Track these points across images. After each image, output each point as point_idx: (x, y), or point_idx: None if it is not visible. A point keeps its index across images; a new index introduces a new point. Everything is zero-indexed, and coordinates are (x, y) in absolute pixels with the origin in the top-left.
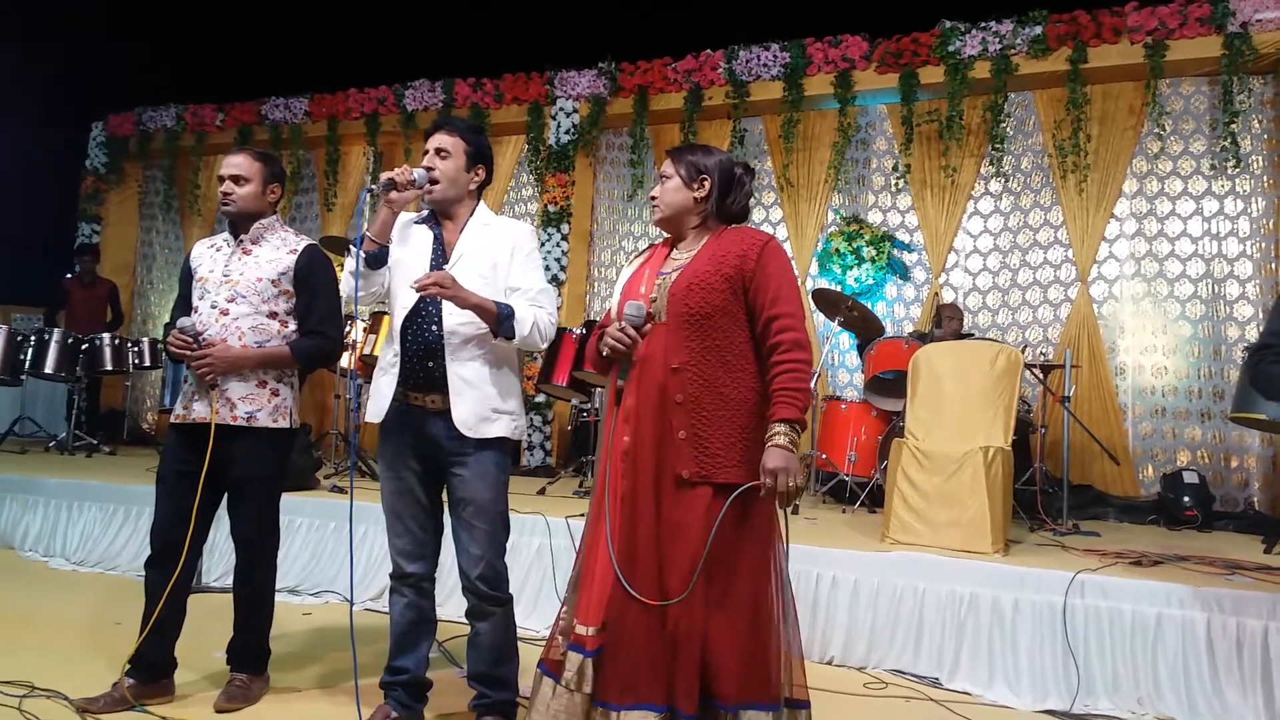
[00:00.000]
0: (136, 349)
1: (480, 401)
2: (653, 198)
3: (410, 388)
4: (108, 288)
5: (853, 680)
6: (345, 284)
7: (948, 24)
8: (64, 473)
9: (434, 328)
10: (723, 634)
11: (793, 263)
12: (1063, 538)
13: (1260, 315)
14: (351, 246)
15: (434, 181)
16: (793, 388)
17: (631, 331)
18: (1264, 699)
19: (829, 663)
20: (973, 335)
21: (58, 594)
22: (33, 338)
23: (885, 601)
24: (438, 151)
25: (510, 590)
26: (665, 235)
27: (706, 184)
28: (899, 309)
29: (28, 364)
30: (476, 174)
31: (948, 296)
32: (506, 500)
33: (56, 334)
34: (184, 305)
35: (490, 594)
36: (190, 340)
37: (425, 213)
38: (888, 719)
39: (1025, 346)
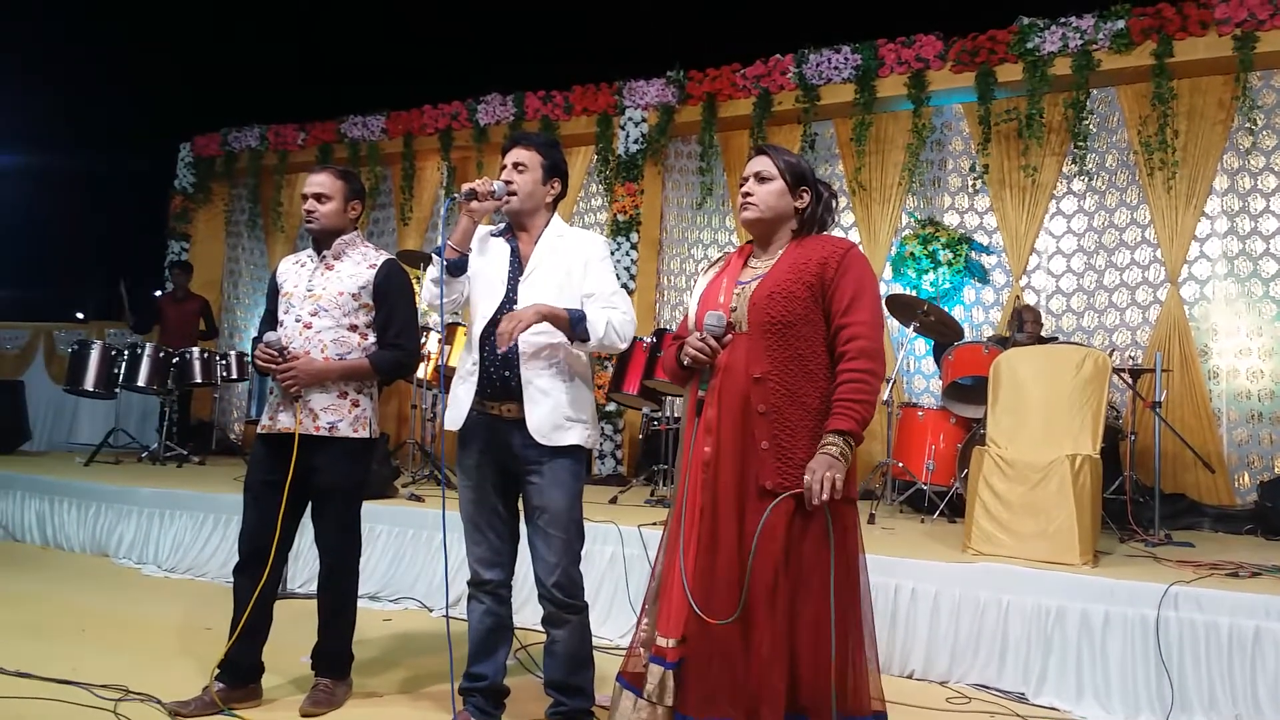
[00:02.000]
0: (224, 362)
1: (554, 410)
2: (747, 194)
3: (487, 397)
4: (199, 303)
5: (934, 695)
6: (428, 291)
7: (1026, 20)
8: (156, 482)
9: None
10: (814, 650)
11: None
12: (1154, 549)
13: None
14: (434, 255)
15: (512, 194)
16: (852, 399)
17: (713, 342)
18: None
19: (909, 676)
20: (1055, 339)
21: (150, 600)
22: (126, 352)
23: (968, 614)
24: (515, 166)
25: (585, 598)
26: (739, 243)
27: (807, 196)
28: (978, 313)
29: (121, 378)
30: (552, 187)
31: (1029, 299)
32: (581, 508)
33: (149, 348)
34: (270, 320)
35: (566, 601)
36: (275, 354)
37: (503, 225)
38: None
39: (1113, 350)
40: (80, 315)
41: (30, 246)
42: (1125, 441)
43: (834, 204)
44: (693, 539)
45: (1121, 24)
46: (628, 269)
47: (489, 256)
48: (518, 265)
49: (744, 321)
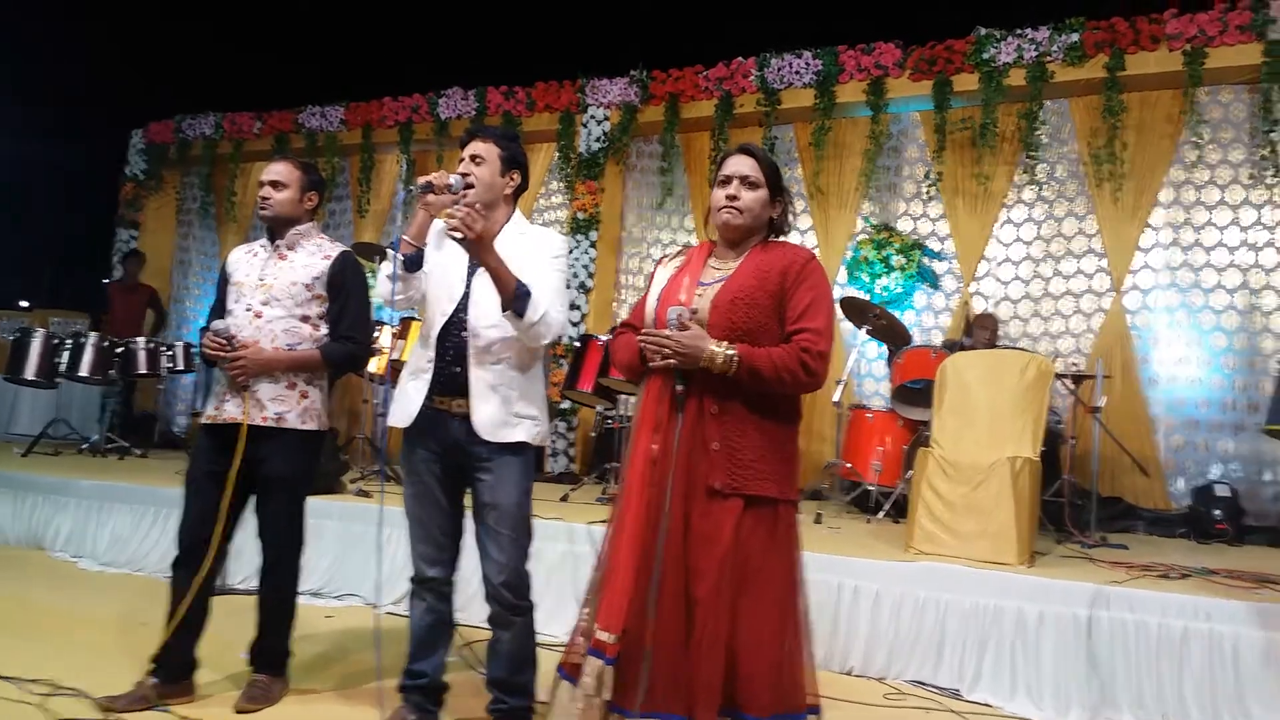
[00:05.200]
0: (170, 353)
1: (502, 405)
2: (733, 198)
3: (437, 392)
4: (148, 293)
5: (872, 691)
6: (383, 287)
7: (983, 31)
8: (96, 475)
9: (463, 333)
10: (754, 646)
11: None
12: (1090, 550)
13: None
14: (389, 249)
15: (469, 186)
16: (773, 356)
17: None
18: None
19: (849, 673)
20: (1004, 344)
21: (86, 594)
22: (69, 341)
23: (908, 612)
24: (473, 158)
25: (532, 597)
26: (700, 240)
27: (780, 205)
28: (928, 318)
29: (63, 367)
30: (511, 179)
31: (979, 305)
32: (530, 506)
33: (93, 338)
34: (219, 308)
35: (513, 602)
36: (224, 342)
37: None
38: None
39: (1056, 356)
40: (25, 304)
41: None
42: (1066, 445)
43: (791, 212)
44: (637, 535)
45: (1076, 37)
46: (586, 267)
47: (447, 251)
48: (474, 261)
49: (704, 324)
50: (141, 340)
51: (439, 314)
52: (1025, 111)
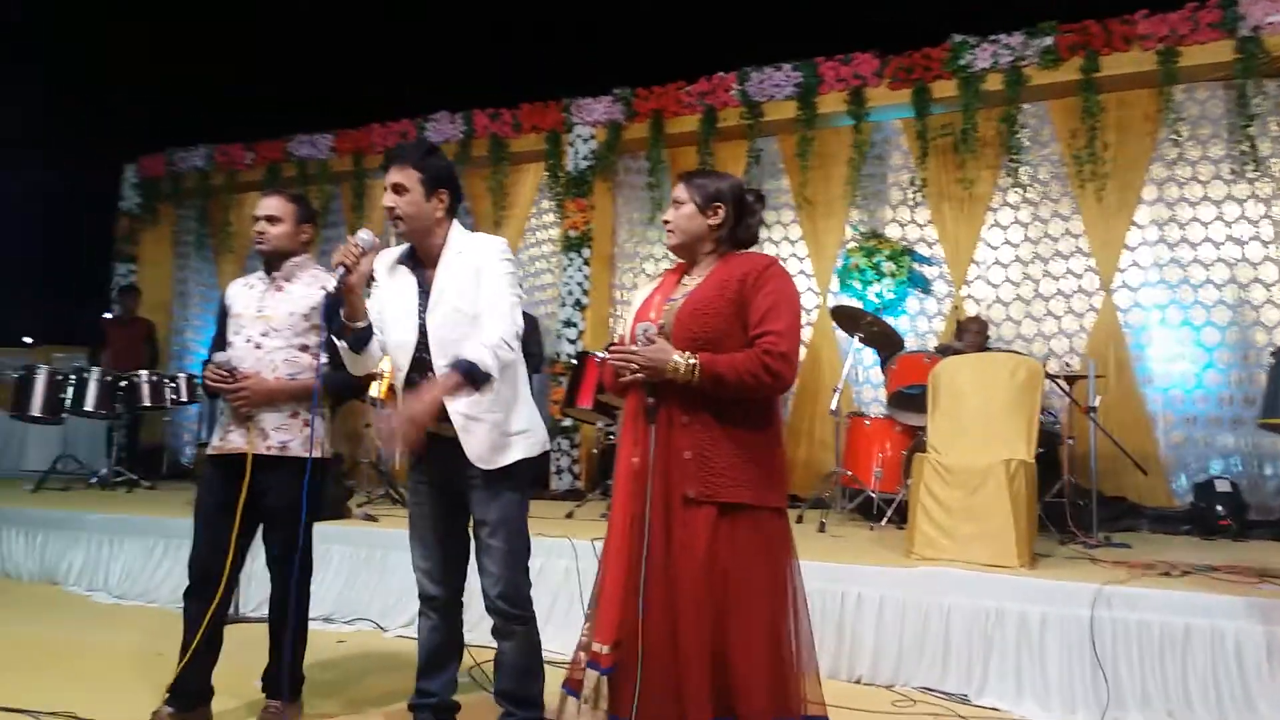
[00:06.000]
0: (174, 385)
1: (491, 431)
2: (666, 222)
3: None
4: (145, 326)
5: (881, 699)
6: (347, 361)
7: (958, 38)
8: (105, 508)
9: (430, 372)
10: (744, 653)
11: (811, 281)
12: (1093, 550)
13: None
14: (335, 339)
15: (398, 219)
16: (735, 362)
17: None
18: None
19: (857, 681)
20: (992, 347)
21: (100, 627)
22: (73, 377)
23: (912, 618)
24: (394, 188)
25: (533, 609)
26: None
27: (721, 211)
28: (922, 322)
29: (69, 403)
30: (440, 199)
31: (970, 309)
32: (526, 519)
33: (96, 372)
34: (220, 340)
35: (512, 612)
36: (226, 374)
37: (406, 248)
38: None
39: (1049, 357)
40: (28, 340)
41: None
42: (1064, 446)
43: (757, 211)
44: (624, 548)
45: (1049, 41)
46: (580, 284)
47: (397, 288)
48: (425, 295)
49: (670, 336)
50: (145, 373)
51: (402, 356)
52: (1004, 115)
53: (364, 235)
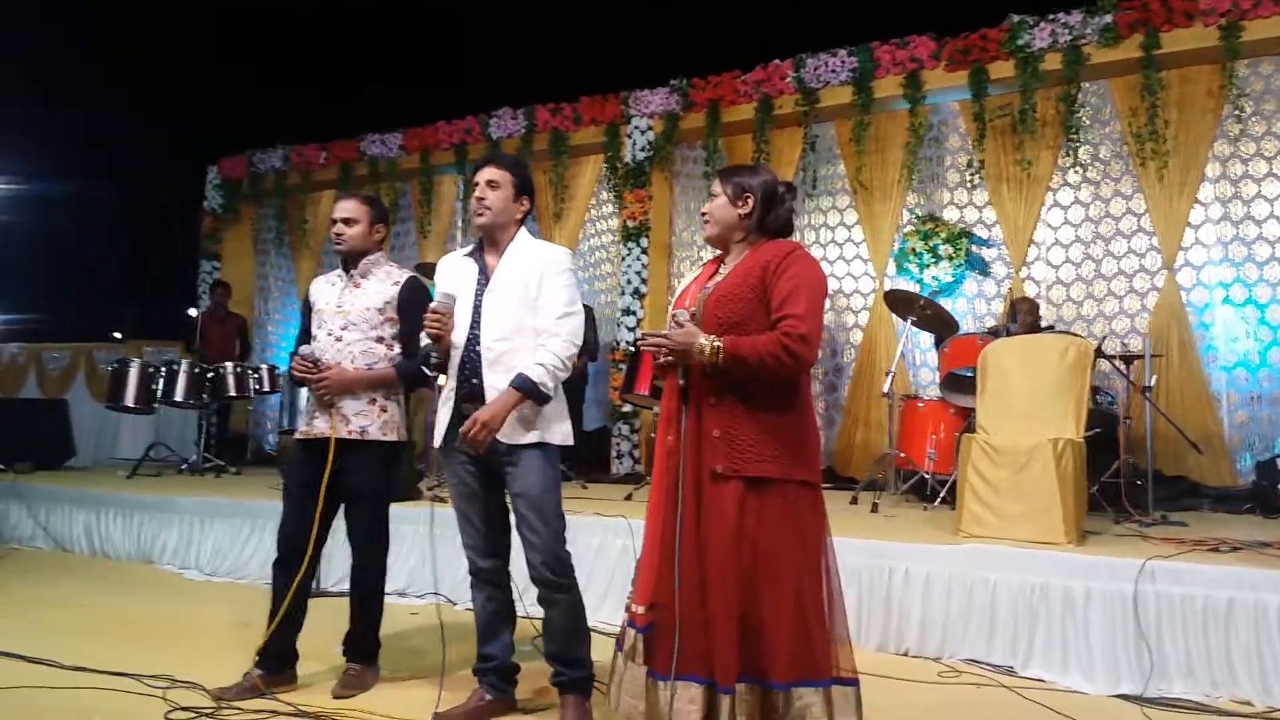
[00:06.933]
0: (257, 376)
1: (517, 411)
2: (703, 214)
3: (463, 401)
4: (239, 321)
5: (927, 670)
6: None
7: (1016, 18)
8: (195, 492)
9: (477, 347)
10: (771, 619)
11: (868, 265)
12: (1147, 529)
13: None
14: (425, 370)
15: (486, 209)
16: (757, 344)
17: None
18: None
19: (904, 654)
20: (1053, 328)
21: (193, 601)
22: (163, 369)
23: (958, 593)
24: (489, 183)
25: (574, 576)
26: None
27: (750, 201)
28: (980, 305)
29: (160, 393)
30: (522, 204)
31: (1030, 290)
32: (558, 492)
33: (184, 365)
34: (304, 334)
35: (554, 580)
36: (310, 365)
37: (473, 244)
38: (960, 704)
39: (1106, 337)
40: (118, 335)
41: (67, 270)
42: (1121, 426)
43: (787, 200)
44: (658, 518)
45: (1109, 18)
46: (639, 273)
47: (458, 278)
48: (484, 281)
49: (700, 322)
50: (230, 365)
51: (459, 336)
52: (1063, 95)
53: (443, 299)
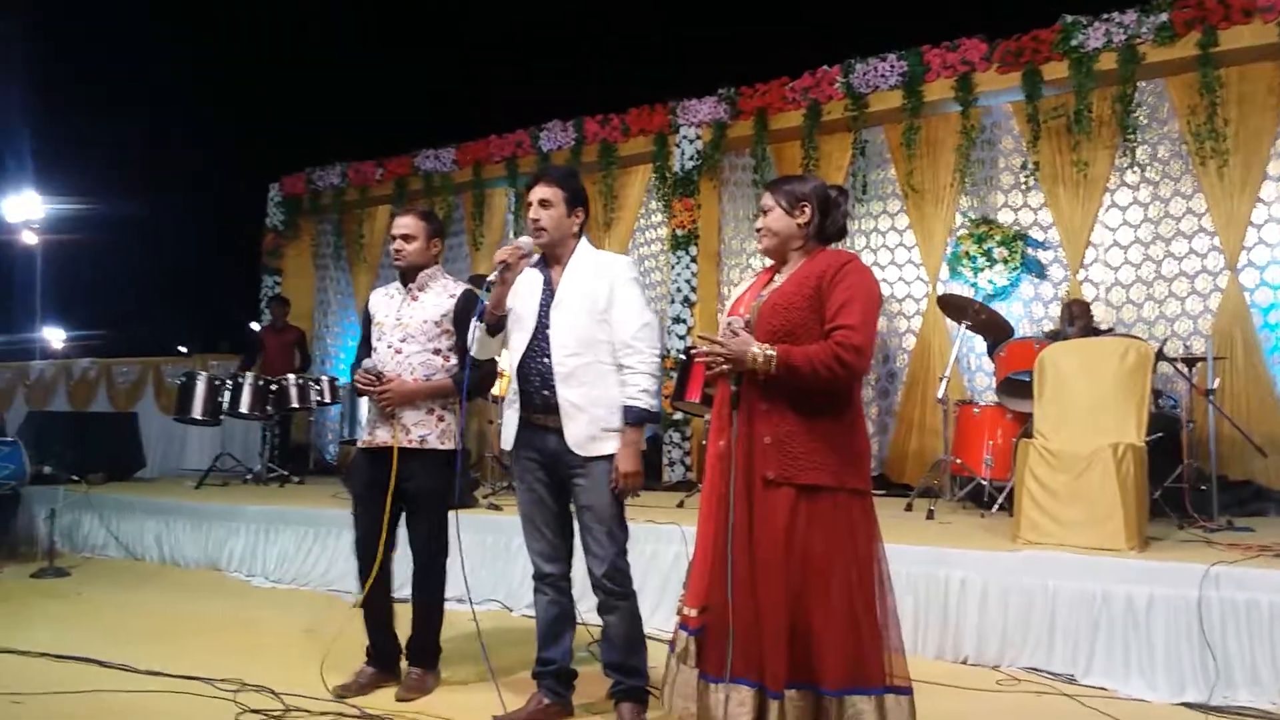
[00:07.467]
0: (318, 388)
1: (590, 423)
2: (758, 229)
3: (534, 411)
4: (296, 334)
5: (986, 678)
6: (472, 346)
7: (1069, 19)
8: (261, 501)
9: (546, 359)
10: (823, 626)
11: (920, 270)
12: (1212, 534)
13: None
14: (475, 320)
15: (543, 230)
16: (811, 353)
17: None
18: None
19: (963, 662)
20: (1112, 331)
21: (259, 607)
22: (229, 382)
23: (1016, 601)
24: (541, 203)
25: (633, 586)
26: None
27: (807, 210)
28: (1037, 308)
29: (226, 406)
30: (577, 216)
31: (1088, 292)
32: (623, 505)
33: (249, 377)
34: (365, 346)
35: (615, 589)
36: (373, 378)
37: (536, 258)
38: (1019, 712)
39: (1167, 339)
40: (183, 349)
41: (135, 288)
42: (1184, 430)
43: (841, 204)
44: (711, 523)
45: (1164, 17)
46: (689, 281)
47: (523, 291)
48: (550, 293)
49: (754, 331)
50: (293, 377)
51: (516, 349)
52: (1119, 95)
53: (525, 240)
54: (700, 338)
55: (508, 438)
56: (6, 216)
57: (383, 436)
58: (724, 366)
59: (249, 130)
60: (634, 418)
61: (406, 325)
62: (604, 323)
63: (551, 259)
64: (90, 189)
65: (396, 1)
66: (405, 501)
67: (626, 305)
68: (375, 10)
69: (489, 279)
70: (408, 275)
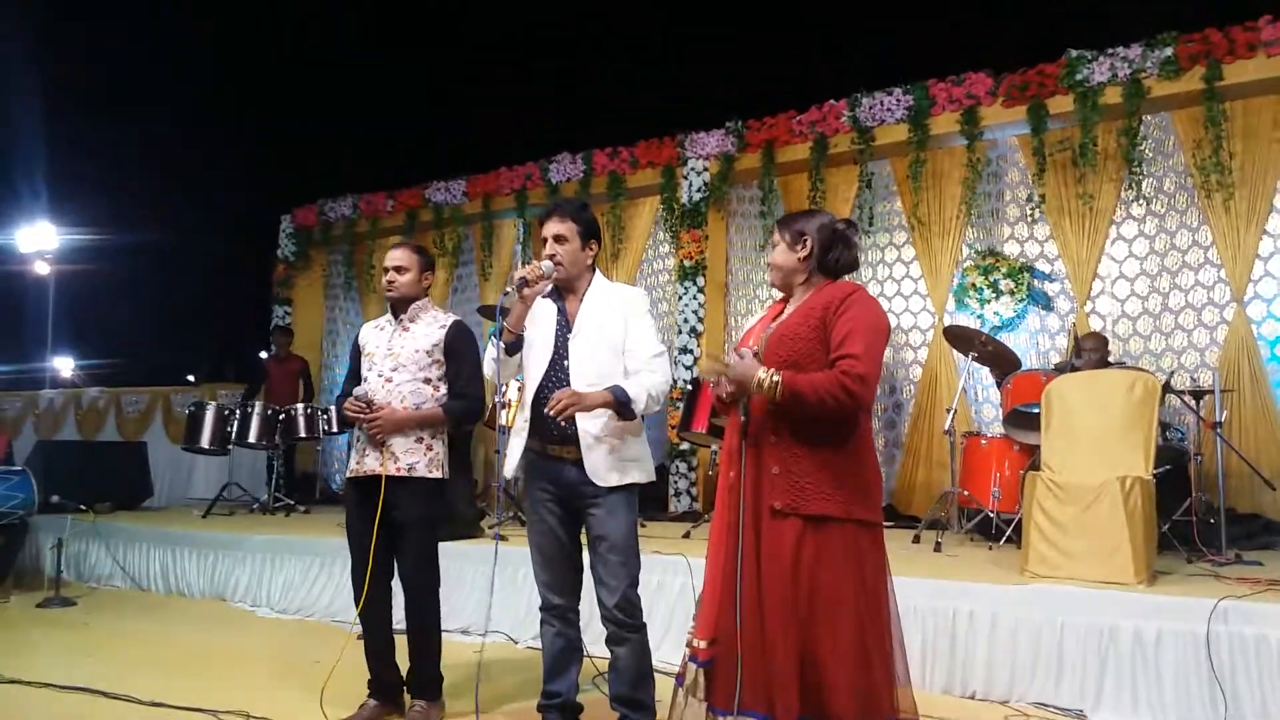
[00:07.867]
0: (325, 417)
1: (609, 453)
2: (768, 263)
3: (549, 443)
4: (300, 364)
5: (994, 713)
6: (488, 368)
7: (1074, 53)
8: (267, 531)
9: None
10: (832, 659)
11: (926, 301)
12: (1220, 568)
13: None
14: (492, 338)
15: (559, 265)
16: (816, 380)
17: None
18: None
19: (971, 697)
20: (1123, 364)
21: (264, 638)
22: (237, 411)
23: (1025, 635)
24: (556, 239)
25: (644, 619)
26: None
27: (807, 243)
28: (1043, 340)
29: (234, 435)
30: (590, 249)
31: (1095, 324)
32: (637, 536)
33: (257, 407)
34: (353, 378)
35: (626, 621)
36: (364, 405)
37: (549, 287)
38: None
39: (1174, 372)
40: (191, 378)
41: (146, 318)
42: (1192, 463)
43: (849, 238)
44: (721, 553)
45: (1169, 51)
46: (695, 312)
47: (538, 320)
48: (566, 325)
49: (762, 361)
50: (300, 407)
51: (532, 379)
52: (1124, 128)
53: (547, 265)
54: (708, 355)
55: (511, 465)
56: (20, 247)
57: (370, 464)
58: (729, 388)
59: (262, 162)
60: (618, 392)
61: (397, 355)
62: (621, 355)
63: (566, 290)
64: (104, 220)
65: (411, 36)
66: (393, 530)
67: (640, 336)
68: (392, 43)
69: (506, 290)
70: (398, 307)
